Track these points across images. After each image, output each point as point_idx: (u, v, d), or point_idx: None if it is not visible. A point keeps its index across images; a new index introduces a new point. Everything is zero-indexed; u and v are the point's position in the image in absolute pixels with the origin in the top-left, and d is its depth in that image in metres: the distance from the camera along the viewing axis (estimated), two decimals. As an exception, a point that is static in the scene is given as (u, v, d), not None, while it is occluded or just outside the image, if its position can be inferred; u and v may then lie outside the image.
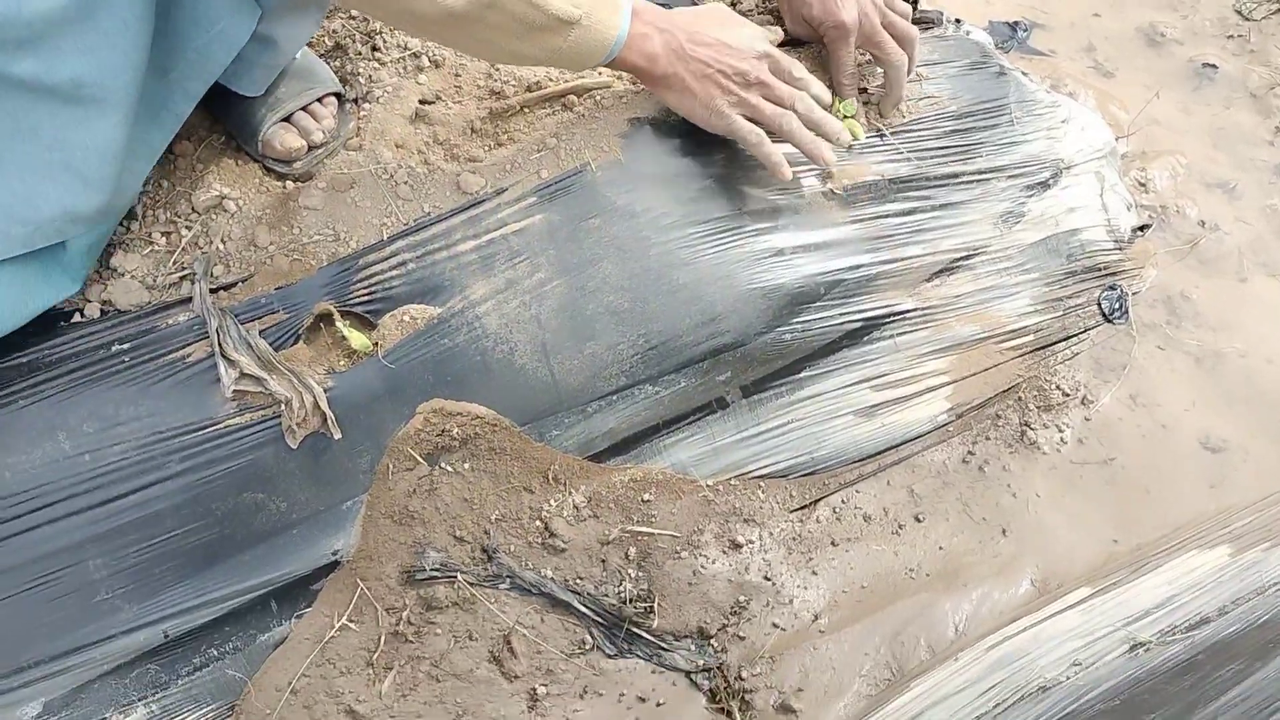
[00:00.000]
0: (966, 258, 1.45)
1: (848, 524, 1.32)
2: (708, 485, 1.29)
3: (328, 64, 1.35)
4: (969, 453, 1.40)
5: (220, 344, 1.16)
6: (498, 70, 1.35)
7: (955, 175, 1.45)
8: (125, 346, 1.17)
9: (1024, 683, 1.12)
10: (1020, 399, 1.45)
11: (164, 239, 1.23)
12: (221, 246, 1.22)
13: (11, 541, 1.10)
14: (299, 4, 1.20)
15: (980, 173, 1.47)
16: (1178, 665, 1.13)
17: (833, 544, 1.31)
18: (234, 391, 1.16)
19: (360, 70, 1.34)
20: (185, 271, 1.21)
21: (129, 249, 1.23)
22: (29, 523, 1.11)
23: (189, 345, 1.18)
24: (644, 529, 1.25)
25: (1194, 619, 1.18)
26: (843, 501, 1.34)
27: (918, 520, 1.34)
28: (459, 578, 1.20)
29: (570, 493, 1.25)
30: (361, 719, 1.14)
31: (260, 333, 1.18)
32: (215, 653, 1.17)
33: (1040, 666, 1.13)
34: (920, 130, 1.44)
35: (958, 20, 1.65)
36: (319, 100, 1.30)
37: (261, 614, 1.18)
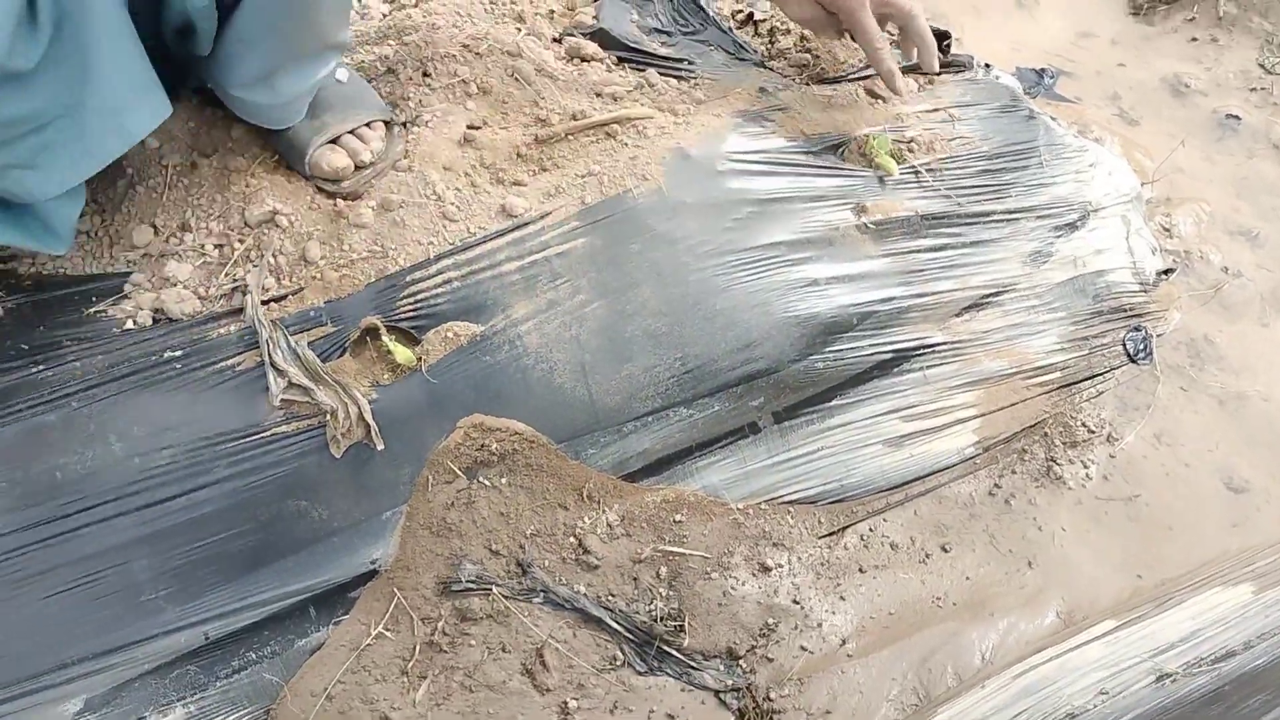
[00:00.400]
0: (996, 294, 1.47)
1: (875, 551, 1.34)
2: (738, 508, 1.31)
3: (380, 87, 1.39)
4: (995, 485, 1.42)
5: (270, 354, 1.19)
6: (543, 98, 1.39)
7: (986, 214, 1.48)
8: (177, 354, 1.20)
9: (1052, 710, 1.13)
10: (1046, 434, 1.47)
11: (216, 251, 1.27)
12: (273, 260, 1.26)
13: (60, 540, 1.13)
14: (303, 52, 1.23)
15: (1010, 212, 1.50)
16: (1205, 695, 1.14)
17: (860, 570, 1.32)
18: (282, 400, 1.19)
19: (411, 94, 1.38)
20: (237, 283, 1.25)
21: (181, 259, 1.26)
22: (78, 522, 1.13)
23: (239, 354, 1.21)
24: (675, 549, 1.27)
25: (1220, 652, 1.19)
26: (870, 529, 1.36)
27: (945, 550, 1.36)
28: (494, 590, 1.22)
29: (604, 511, 1.27)
30: (395, 726, 1.16)
31: (309, 344, 1.21)
32: (253, 656, 1.19)
33: (1067, 695, 1.14)
34: (953, 169, 1.47)
35: (987, 65, 1.69)
36: (366, 125, 1.33)
37: (300, 620, 1.20)
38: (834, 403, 1.37)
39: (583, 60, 1.52)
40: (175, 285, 1.25)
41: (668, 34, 1.58)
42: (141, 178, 1.32)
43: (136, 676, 1.15)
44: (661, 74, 1.49)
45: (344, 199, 1.29)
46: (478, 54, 1.40)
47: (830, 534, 1.34)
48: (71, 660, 1.13)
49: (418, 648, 1.20)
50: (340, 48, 1.28)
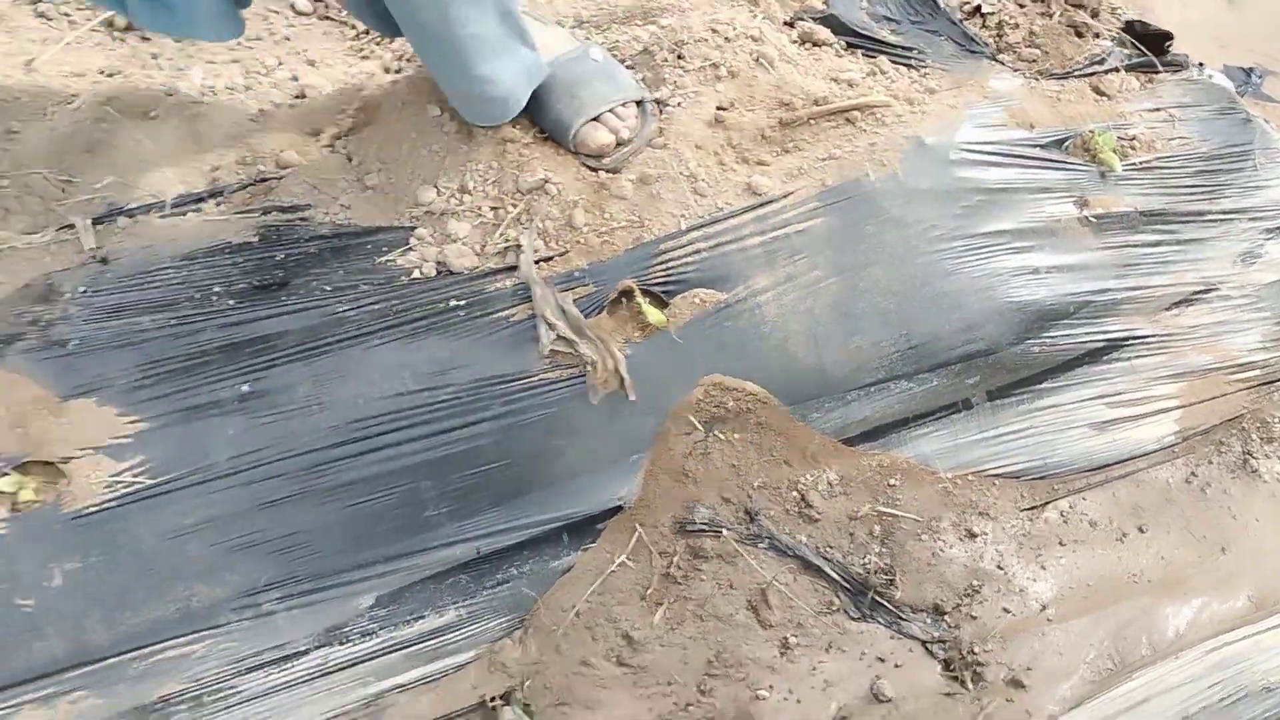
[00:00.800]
0: (1204, 291, 1.53)
1: (1074, 527, 1.43)
2: (948, 478, 1.42)
3: (635, 67, 1.51)
4: (1192, 474, 1.49)
5: (541, 309, 1.34)
6: (786, 83, 1.49)
7: (1200, 213, 1.53)
8: (460, 303, 1.36)
9: (1248, 683, 1.22)
10: (1244, 429, 1.53)
11: (492, 213, 1.42)
12: (542, 225, 1.40)
13: (361, 459, 1.30)
14: (501, 47, 1.34)
15: (1224, 213, 1.55)
16: (1404, 684, 1.21)
17: (1060, 544, 1.42)
18: (550, 351, 1.33)
19: (666, 76, 1.50)
20: (509, 243, 1.39)
21: (460, 218, 1.42)
22: (376, 444, 1.31)
23: (513, 307, 1.36)
24: (889, 510, 1.39)
25: None
26: (1070, 506, 1.45)
27: (1141, 531, 1.44)
28: (724, 533, 1.36)
29: (825, 470, 1.39)
30: (635, 643, 1.31)
31: (573, 302, 1.36)
32: (515, 572, 1.35)
33: (1263, 670, 1.22)
34: (1172, 168, 1.53)
35: (1200, 64, 1.73)
36: (622, 104, 1.45)
37: (554, 544, 1.36)
38: (1044, 385, 1.46)
39: (815, 44, 1.61)
40: (456, 241, 1.40)
41: (896, 22, 1.66)
42: (424, 141, 1.48)
43: (419, 580, 1.32)
44: (892, 62, 1.58)
45: (606, 172, 1.43)
46: (726, 39, 1.52)
47: (1032, 508, 1.43)
48: (366, 562, 1.30)
49: (655, 578, 1.34)
50: (517, 37, 1.35)
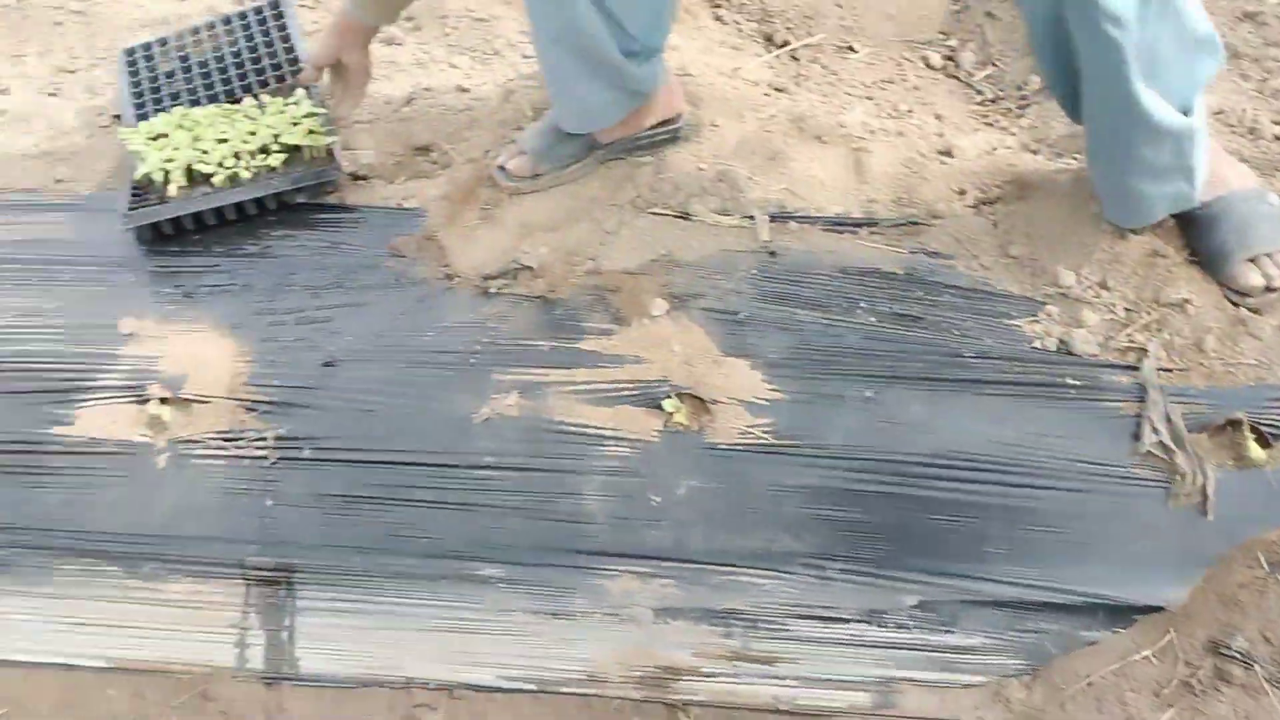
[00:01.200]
0: None
1: None
2: None
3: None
4: None
5: (1151, 412, 1.48)
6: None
7: None
8: (1075, 383, 1.53)
9: None
10: None
11: (1124, 313, 1.56)
12: (1169, 338, 1.53)
13: (948, 483, 1.50)
14: (1163, 177, 1.49)
15: None
16: None
17: None
18: (1146, 451, 1.47)
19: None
20: (1133, 345, 1.54)
21: (1093, 309, 1.58)
22: (964, 475, 1.50)
23: (1124, 402, 1.50)
24: None
25: None
26: None
27: None
28: (1256, 668, 1.43)
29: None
30: (1141, 733, 1.43)
31: (1180, 415, 1.48)
32: (1044, 626, 1.49)
33: None
34: None
35: None
36: (1282, 250, 1.54)
37: (1088, 617, 1.49)
38: None
39: None
40: (1083, 328, 1.56)
41: None
42: (1076, 232, 1.65)
43: (960, 601, 1.50)
44: None
45: (1249, 310, 1.52)
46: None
47: None
48: (923, 569, 1.50)
49: (1174, 682, 1.44)
50: (1179, 171, 1.49)
